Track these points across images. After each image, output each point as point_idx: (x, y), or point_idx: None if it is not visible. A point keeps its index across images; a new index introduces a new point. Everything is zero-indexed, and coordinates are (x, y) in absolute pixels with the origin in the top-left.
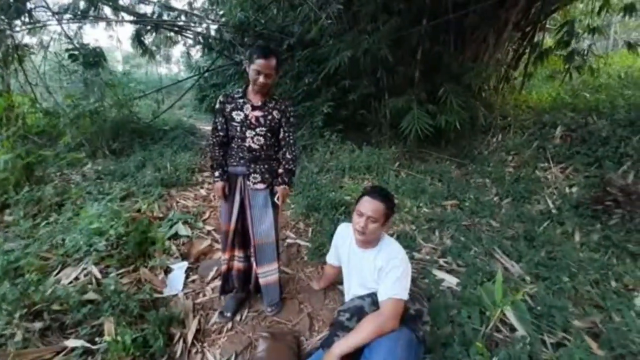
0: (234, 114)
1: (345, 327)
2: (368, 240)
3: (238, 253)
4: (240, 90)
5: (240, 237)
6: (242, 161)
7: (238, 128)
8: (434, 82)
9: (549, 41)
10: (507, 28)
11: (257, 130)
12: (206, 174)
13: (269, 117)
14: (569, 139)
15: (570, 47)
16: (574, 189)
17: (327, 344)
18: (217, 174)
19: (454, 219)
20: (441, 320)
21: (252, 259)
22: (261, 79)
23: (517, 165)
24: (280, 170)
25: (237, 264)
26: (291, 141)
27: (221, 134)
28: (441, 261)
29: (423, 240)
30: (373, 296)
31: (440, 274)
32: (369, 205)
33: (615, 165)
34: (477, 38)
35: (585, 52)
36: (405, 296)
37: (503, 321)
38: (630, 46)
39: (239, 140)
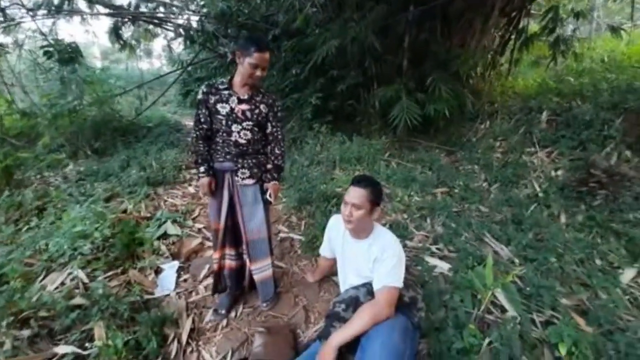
0: (218, 106)
1: (342, 318)
2: (357, 229)
3: (229, 251)
4: (224, 80)
5: (232, 235)
6: (228, 156)
7: (223, 121)
8: (422, 70)
9: (534, 26)
10: (493, 14)
11: (244, 124)
12: (194, 171)
13: (256, 110)
14: (555, 123)
15: (555, 34)
16: (560, 172)
17: (324, 335)
18: (202, 169)
19: (445, 206)
20: (435, 305)
21: (245, 256)
22: (258, 72)
23: (504, 151)
24: (269, 166)
25: (229, 262)
26: (279, 136)
27: (205, 126)
28: (433, 248)
29: (415, 228)
30: (368, 286)
31: (432, 261)
32: (352, 193)
33: (599, 148)
34: (463, 24)
35: (570, 38)
36: (399, 284)
37: (494, 303)
38: (614, 30)
39: (225, 135)
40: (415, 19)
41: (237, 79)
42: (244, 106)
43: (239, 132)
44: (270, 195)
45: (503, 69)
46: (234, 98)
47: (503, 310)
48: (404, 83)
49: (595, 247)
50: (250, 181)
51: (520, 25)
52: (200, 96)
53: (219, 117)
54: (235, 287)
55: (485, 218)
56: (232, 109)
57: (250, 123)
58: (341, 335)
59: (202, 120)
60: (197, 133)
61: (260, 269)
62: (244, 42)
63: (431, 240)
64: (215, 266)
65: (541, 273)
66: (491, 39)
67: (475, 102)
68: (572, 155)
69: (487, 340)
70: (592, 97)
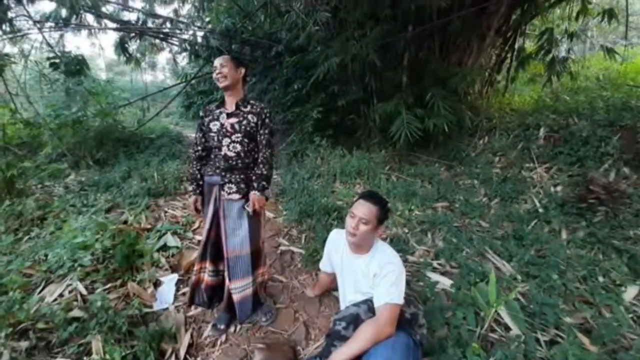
0: (211, 124)
1: (342, 337)
2: (359, 244)
3: (209, 266)
4: (217, 103)
5: (214, 250)
6: (217, 170)
7: (215, 137)
8: (421, 87)
9: (529, 46)
10: (489, 34)
11: (233, 137)
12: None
13: (244, 122)
14: (552, 139)
15: (550, 55)
16: (559, 188)
17: (324, 354)
18: (190, 188)
19: (445, 221)
20: (437, 322)
21: (225, 273)
22: (215, 73)
23: (503, 166)
24: (254, 177)
25: (206, 277)
26: (264, 142)
27: (199, 148)
28: (435, 263)
29: (416, 242)
30: (369, 302)
31: (434, 276)
32: (361, 208)
33: (597, 164)
34: (461, 43)
35: (564, 59)
36: (400, 301)
37: (497, 321)
38: (608, 51)
39: (216, 150)
40: (414, 37)
41: (225, 97)
42: (232, 119)
43: (228, 146)
44: (248, 207)
45: (500, 86)
46: (224, 114)
47: (507, 328)
48: (404, 99)
49: (597, 264)
50: (236, 196)
51: (516, 45)
52: (199, 120)
53: (212, 134)
54: (208, 304)
55: (486, 233)
56: (222, 125)
57: (239, 135)
58: (342, 354)
59: (197, 142)
60: (193, 154)
61: (240, 288)
62: None
63: (432, 256)
64: (194, 278)
65: (544, 290)
66: (488, 57)
67: (473, 118)
68: (570, 172)
69: None
70: (588, 114)
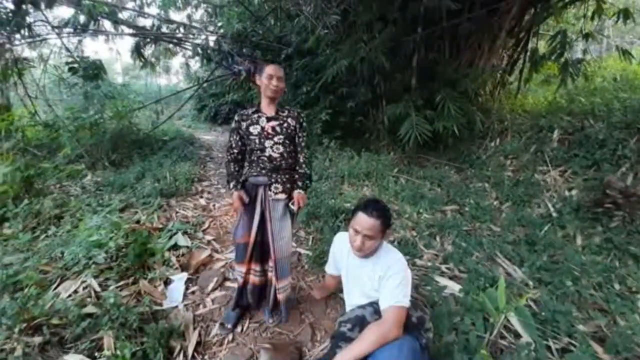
0: (250, 128)
1: (348, 338)
2: (366, 254)
3: (255, 267)
4: (254, 106)
5: (259, 251)
6: (263, 171)
7: (256, 140)
8: (431, 89)
9: (542, 46)
10: (501, 35)
11: (275, 139)
12: (205, 183)
13: (284, 124)
14: (567, 142)
15: (564, 57)
16: (574, 192)
17: (329, 356)
18: (231, 184)
19: (455, 225)
20: (444, 327)
21: (271, 273)
22: (274, 81)
23: (515, 169)
24: (297, 176)
25: (254, 278)
26: (303, 144)
27: (235, 151)
28: (443, 267)
29: (424, 246)
30: (374, 305)
31: (442, 281)
32: (364, 224)
33: (614, 168)
34: (471, 45)
35: (579, 60)
36: (407, 303)
37: (507, 327)
38: (623, 53)
39: (259, 152)
40: (423, 39)
41: (263, 102)
42: (273, 123)
43: (271, 147)
44: (293, 204)
45: (512, 88)
46: (263, 118)
47: (517, 335)
48: (413, 100)
49: (613, 271)
50: (283, 196)
51: (529, 46)
52: (233, 125)
53: (252, 137)
54: (257, 304)
55: (497, 238)
56: (262, 128)
57: (282, 137)
58: (347, 356)
59: (234, 145)
60: (229, 157)
61: (285, 287)
62: (256, 67)
63: (441, 260)
64: (240, 281)
65: (557, 297)
66: (500, 58)
67: (484, 120)
68: (586, 175)
69: None
70: (604, 116)
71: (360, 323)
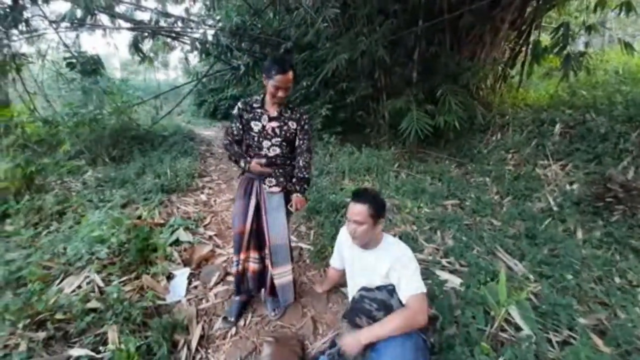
0: (252, 123)
1: (373, 317)
2: (363, 243)
3: (253, 254)
4: (258, 99)
5: (255, 239)
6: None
7: (255, 138)
8: (432, 83)
9: (544, 39)
10: (503, 27)
11: (273, 140)
12: (206, 179)
13: (285, 127)
14: (568, 136)
15: (566, 51)
16: (575, 186)
17: (348, 318)
18: (242, 162)
19: (455, 219)
20: (445, 321)
21: (267, 260)
22: (280, 93)
23: (516, 163)
24: (295, 179)
25: (252, 265)
26: (304, 148)
27: (237, 137)
28: (444, 261)
29: (425, 240)
30: (389, 288)
31: (443, 274)
32: (352, 210)
33: (615, 162)
34: (473, 37)
35: (581, 54)
36: (424, 288)
37: (508, 321)
38: (626, 45)
39: (256, 149)
40: (424, 32)
41: (267, 98)
42: (274, 123)
43: (268, 148)
44: (291, 207)
45: (514, 81)
46: (265, 116)
47: (517, 328)
48: (414, 95)
49: (614, 265)
50: (276, 189)
51: (531, 38)
52: (235, 111)
53: (252, 133)
54: (257, 289)
55: (498, 232)
56: (263, 127)
57: (279, 139)
58: (372, 333)
59: (235, 132)
60: (229, 140)
61: (281, 274)
62: (267, 65)
63: (441, 254)
64: (238, 268)
65: (557, 290)
66: (501, 51)
67: (485, 113)
68: (587, 169)
69: None
70: (606, 109)
71: (384, 307)
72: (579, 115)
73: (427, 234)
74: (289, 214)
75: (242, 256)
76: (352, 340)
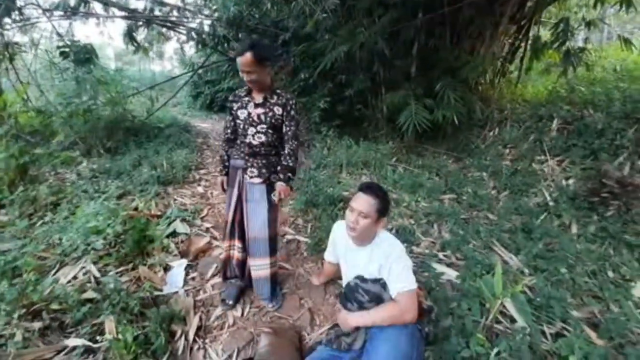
0: (239, 112)
1: (364, 307)
2: (359, 238)
3: (237, 243)
4: (246, 88)
5: (239, 229)
6: (242, 155)
7: (241, 125)
8: (431, 76)
9: (544, 34)
10: (503, 21)
11: (258, 127)
12: (203, 171)
13: (270, 113)
14: (566, 131)
15: (565, 46)
16: (571, 181)
17: (342, 302)
18: (219, 169)
19: (452, 213)
20: (441, 312)
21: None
22: (245, 77)
23: (514, 159)
24: (279, 167)
25: (236, 254)
26: (290, 134)
27: (229, 131)
28: (440, 255)
29: (422, 234)
30: (381, 281)
31: (439, 268)
32: (360, 201)
33: (611, 157)
34: (473, 32)
35: (581, 49)
36: (414, 285)
37: (503, 313)
38: (625, 41)
39: (242, 137)
40: (424, 25)
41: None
42: (259, 110)
43: (253, 135)
44: (274, 196)
45: (512, 76)
46: (252, 103)
47: (512, 320)
48: (413, 89)
49: (608, 259)
50: (258, 180)
51: (531, 33)
52: (228, 105)
53: (239, 121)
54: (241, 277)
55: (494, 226)
56: (249, 114)
57: (264, 126)
58: (361, 320)
59: (227, 126)
60: (224, 137)
61: (258, 267)
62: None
63: (438, 247)
64: (224, 255)
65: (552, 284)
66: (501, 46)
67: (484, 108)
68: (583, 165)
69: (495, 350)
70: (604, 106)
71: (377, 299)
72: (577, 111)
73: (424, 228)
74: (273, 205)
75: (227, 244)
76: (344, 319)
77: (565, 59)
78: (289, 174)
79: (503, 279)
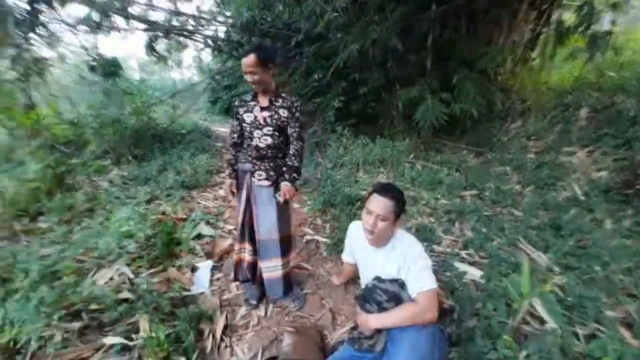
0: (245, 116)
1: (383, 308)
2: (378, 240)
3: (248, 246)
4: (252, 93)
5: (249, 231)
6: (249, 158)
7: (248, 129)
8: (447, 69)
9: (568, 17)
10: (522, 8)
11: (265, 130)
12: (223, 175)
13: (275, 116)
14: (595, 120)
15: (590, 30)
16: (603, 173)
17: (360, 303)
18: (227, 172)
19: (474, 210)
20: (465, 313)
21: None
22: (248, 78)
23: (539, 151)
24: (285, 168)
25: (247, 257)
26: (295, 136)
27: (235, 135)
28: (463, 253)
29: (443, 232)
30: (398, 281)
31: (462, 267)
32: (377, 204)
33: None
34: (490, 20)
35: (607, 34)
36: (434, 284)
37: (531, 313)
38: None
39: (249, 140)
40: (438, 17)
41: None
42: (265, 113)
43: (259, 138)
44: (279, 196)
45: (534, 64)
46: (257, 107)
47: (541, 321)
48: (428, 83)
49: None
50: (266, 183)
51: (553, 17)
52: (233, 109)
53: (245, 125)
54: (252, 279)
55: (520, 222)
56: (255, 117)
57: (271, 128)
58: (381, 320)
59: (234, 130)
60: (230, 141)
61: (269, 268)
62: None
63: (460, 245)
64: (236, 257)
65: (584, 282)
66: (521, 33)
67: (504, 100)
68: (616, 155)
69: (524, 353)
70: (636, 91)
71: (395, 299)
72: (607, 98)
73: (445, 226)
74: (285, 205)
75: (238, 246)
76: (364, 322)
77: (591, 44)
78: (294, 174)
79: (531, 278)
